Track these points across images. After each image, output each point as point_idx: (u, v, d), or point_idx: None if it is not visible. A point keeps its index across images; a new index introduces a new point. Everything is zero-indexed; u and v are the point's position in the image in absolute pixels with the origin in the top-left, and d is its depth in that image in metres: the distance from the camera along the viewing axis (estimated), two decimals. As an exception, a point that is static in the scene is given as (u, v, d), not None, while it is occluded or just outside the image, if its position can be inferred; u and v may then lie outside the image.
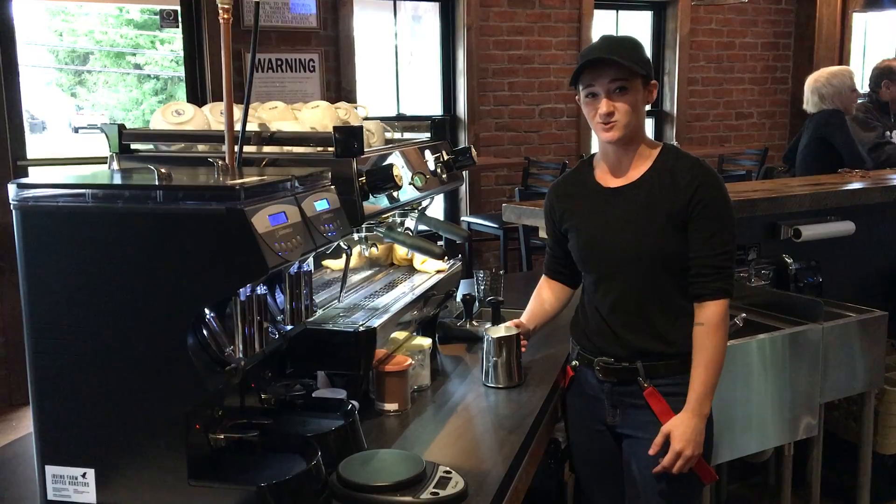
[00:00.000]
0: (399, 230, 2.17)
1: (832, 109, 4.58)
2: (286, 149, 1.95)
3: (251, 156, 1.83)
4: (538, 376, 2.23)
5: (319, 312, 1.93)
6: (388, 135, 2.39)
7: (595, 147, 2.14)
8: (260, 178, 1.46)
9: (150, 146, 2.03)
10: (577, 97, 2.04)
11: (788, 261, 3.45)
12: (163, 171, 1.41)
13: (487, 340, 2.15)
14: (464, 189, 6.39)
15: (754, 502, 3.43)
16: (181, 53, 5.47)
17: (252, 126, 1.92)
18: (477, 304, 2.68)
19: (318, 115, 2.05)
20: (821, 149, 4.63)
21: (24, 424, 4.32)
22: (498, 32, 6.40)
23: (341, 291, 2.08)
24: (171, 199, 1.35)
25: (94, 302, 1.38)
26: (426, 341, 2.19)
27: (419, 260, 2.43)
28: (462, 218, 6.16)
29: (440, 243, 2.34)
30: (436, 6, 6.37)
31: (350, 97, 5.75)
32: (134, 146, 1.98)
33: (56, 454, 1.44)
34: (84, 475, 1.43)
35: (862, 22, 8.12)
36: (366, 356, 1.87)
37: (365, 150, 1.84)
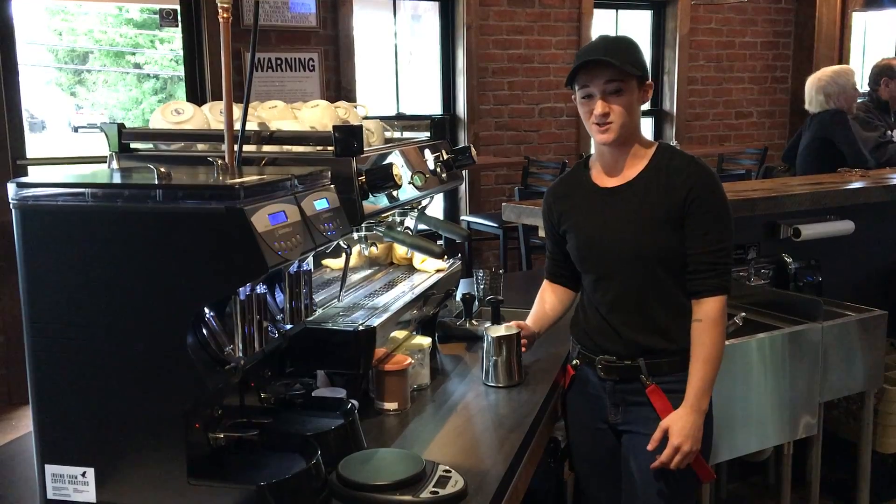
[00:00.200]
0: (399, 229, 2.18)
1: (835, 109, 4.59)
2: (286, 148, 1.95)
3: (251, 155, 1.83)
4: (538, 376, 2.23)
5: (319, 311, 1.93)
6: (388, 134, 2.39)
7: (594, 147, 2.14)
8: (259, 177, 1.46)
9: (149, 145, 2.03)
10: (573, 97, 2.05)
11: (788, 260, 3.45)
12: (162, 170, 1.41)
13: (487, 339, 2.15)
14: (463, 188, 6.39)
15: (754, 501, 3.44)
16: (181, 53, 5.47)
17: (252, 125, 1.92)
18: (476, 303, 2.68)
19: (317, 115, 2.05)
20: (823, 148, 4.64)
21: (24, 423, 4.32)
22: (498, 32, 6.40)
23: (341, 290, 2.08)
24: (170, 198, 1.35)
25: (93, 301, 1.38)
26: (426, 340, 2.19)
27: (419, 259, 2.43)
28: (462, 217, 6.17)
29: (440, 242, 2.34)
30: (435, 5, 6.37)
31: (350, 96, 5.75)
32: (133, 145, 1.99)
33: (56, 453, 1.44)
34: (84, 474, 1.43)
35: (861, 21, 8.12)
36: (365, 355, 1.87)
37: (364, 149, 1.84)
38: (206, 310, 1.40)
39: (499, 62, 6.44)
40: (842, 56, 7.71)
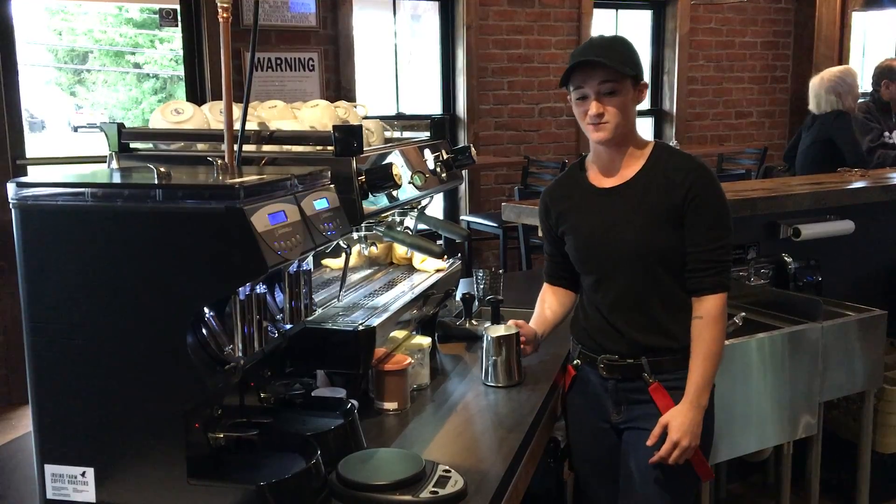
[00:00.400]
0: (398, 229, 2.17)
1: (838, 110, 4.61)
2: (285, 148, 1.95)
3: (250, 155, 1.83)
4: (538, 376, 2.23)
5: (319, 311, 1.93)
6: (388, 134, 2.39)
7: (591, 147, 2.14)
8: (259, 177, 1.46)
9: (149, 145, 2.03)
10: (568, 97, 2.05)
11: (788, 260, 3.45)
12: (162, 170, 1.41)
13: (487, 339, 2.15)
14: (463, 188, 6.39)
15: (753, 501, 3.44)
16: (180, 52, 5.47)
17: (251, 125, 1.92)
18: (476, 303, 2.68)
19: (317, 114, 2.05)
20: (825, 149, 4.66)
21: (24, 423, 4.32)
22: (497, 31, 6.40)
23: (341, 290, 2.08)
24: (170, 198, 1.35)
25: (93, 301, 1.38)
26: (425, 340, 2.19)
27: (419, 259, 2.43)
28: (461, 217, 6.16)
29: (439, 242, 2.34)
30: (435, 5, 6.37)
31: (349, 96, 5.75)
32: (133, 145, 1.98)
33: (55, 453, 1.44)
34: (83, 474, 1.43)
35: (861, 21, 8.12)
36: (365, 355, 1.87)
37: (364, 149, 1.84)
38: (206, 310, 1.40)
39: (498, 62, 6.44)
40: (841, 56, 7.72)
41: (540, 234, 2.41)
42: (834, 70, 4.84)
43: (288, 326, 1.61)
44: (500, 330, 2.17)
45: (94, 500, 1.43)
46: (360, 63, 5.91)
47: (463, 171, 2.54)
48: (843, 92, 4.65)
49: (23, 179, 1.42)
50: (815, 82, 4.80)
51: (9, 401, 4.67)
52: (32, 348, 1.42)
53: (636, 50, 2.04)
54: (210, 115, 2.05)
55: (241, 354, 1.43)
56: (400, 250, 2.47)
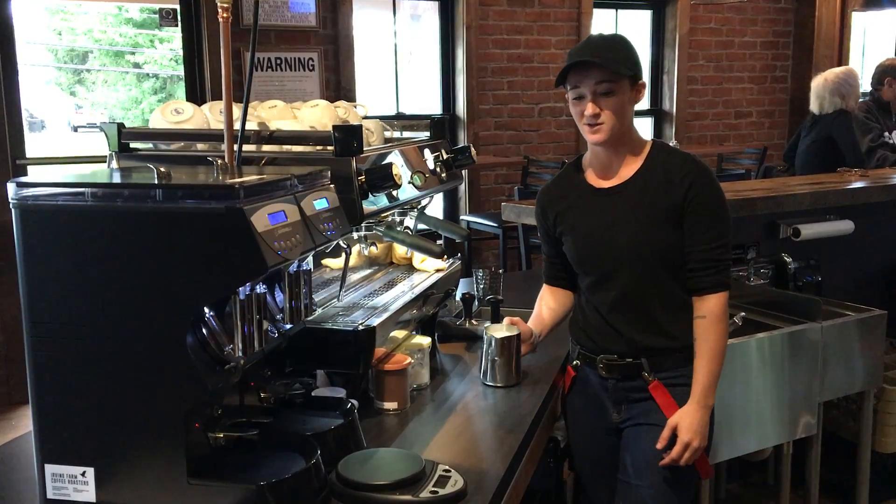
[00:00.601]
0: (398, 229, 2.18)
1: (840, 110, 4.62)
2: (285, 147, 1.95)
3: (250, 154, 1.83)
4: (538, 376, 2.23)
5: (319, 311, 1.93)
6: (388, 134, 2.39)
7: (588, 147, 2.13)
8: (259, 176, 1.46)
9: (149, 145, 2.03)
10: (566, 96, 2.05)
11: (787, 260, 3.45)
12: (162, 169, 1.41)
13: (487, 339, 2.15)
14: (463, 188, 6.39)
15: (753, 501, 3.44)
16: (180, 52, 5.47)
17: (251, 125, 1.92)
18: (476, 302, 2.68)
19: (317, 114, 2.05)
20: (826, 148, 4.66)
21: (24, 423, 4.32)
22: (497, 31, 6.40)
23: (340, 290, 2.08)
24: (170, 198, 1.35)
25: (93, 301, 1.38)
26: (425, 340, 2.19)
27: (418, 259, 2.43)
28: (461, 217, 6.17)
29: (439, 242, 2.34)
30: (435, 5, 6.37)
31: (349, 96, 5.75)
32: (133, 145, 1.98)
33: (56, 453, 1.44)
34: (84, 474, 1.43)
35: (861, 21, 8.12)
36: (365, 355, 1.87)
37: (364, 148, 1.84)
38: (206, 309, 1.40)
39: (498, 62, 6.44)
40: (841, 56, 7.72)
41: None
42: (837, 71, 4.84)
43: (288, 326, 1.61)
44: (500, 330, 2.17)
45: (94, 500, 1.43)
46: (360, 63, 5.91)
47: (463, 171, 2.54)
48: (846, 94, 4.66)
49: (23, 179, 1.42)
50: (817, 83, 4.80)
51: (9, 400, 4.67)
52: (33, 348, 1.42)
53: (635, 49, 2.03)
54: (210, 115, 2.05)
55: (241, 354, 1.43)
56: (400, 250, 2.47)
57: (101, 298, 1.38)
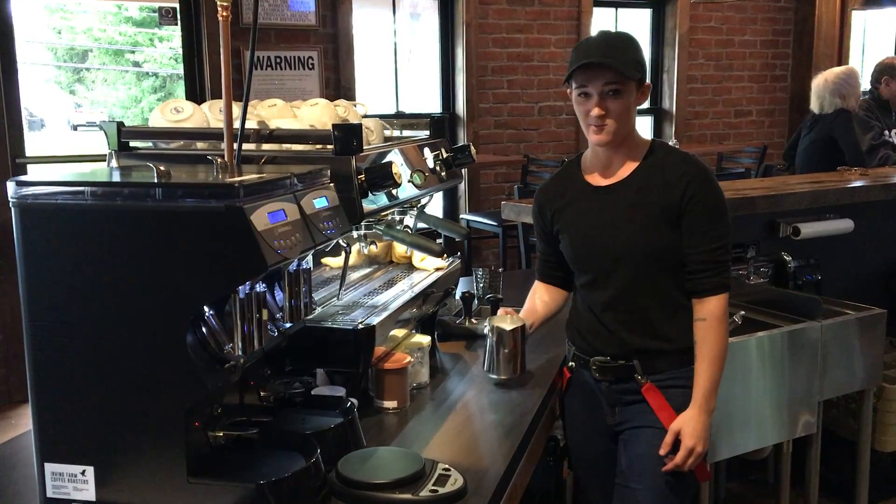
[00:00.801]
0: (398, 228, 2.17)
1: (840, 109, 4.62)
2: (285, 146, 1.95)
3: (250, 153, 1.83)
4: (537, 374, 2.23)
5: (318, 310, 1.93)
6: (387, 132, 2.39)
7: (588, 145, 2.12)
8: (259, 175, 1.46)
9: (149, 144, 2.03)
10: (569, 92, 2.02)
11: (787, 258, 3.45)
12: (162, 168, 1.41)
13: (493, 331, 2.12)
14: (463, 187, 6.39)
15: (753, 500, 3.44)
16: (180, 51, 5.47)
17: (251, 124, 1.92)
18: (476, 301, 2.68)
19: (317, 113, 2.05)
20: (827, 147, 4.66)
21: (24, 422, 4.32)
22: (497, 30, 6.40)
23: (340, 289, 2.08)
24: (170, 196, 1.35)
25: (93, 300, 1.38)
26: (425, 339, 2.19)
27: (418, 258, 2.43)
28: (461, 216, 6.16)
29: (439, 241, 2.34)
30: (435, 3, 6.37)
31: (349, 95, 5.75)
32: (133, 144, 1.98)
33: (55, 452, 1.44)
34: (83, 473, 1.43)
35: (861, 20, 8.12)
36: (365, 354, 1.87)
37: (364, 147, 1.84)
38: (206, 308, 1.40)
39: (498, 60, 6.44)
40: (841, 55, 7.72)
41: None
42: (837, 71, 4.84)
43: (287, 325, 1.61)
44: (505, 321, 2.14)
45: (94, 499, 1.43)
46: (360, 61, 5.91)
47: (462, 170, 2.54)
48: (846, 94, 4.66)
49: (22, 178, 1.42)
50: (818, 83, 4.80)
51: (8, 399, 4.67)
52: (32, 347, 1.42)
53: (642, 49, 2.02)
54: (210, 114, 2.05)
55: (240, 353, 1.43)
56: (399, 249, 2.47)
57: (100, 297, 1.38)
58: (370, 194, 1.84)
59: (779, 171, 5.40)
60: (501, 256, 5.69)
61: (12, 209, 1.41)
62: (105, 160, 1.92)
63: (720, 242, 1.98)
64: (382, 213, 2.01)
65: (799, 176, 4.47)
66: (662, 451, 1.97)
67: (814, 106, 4.83)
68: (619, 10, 7.25)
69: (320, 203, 1.58)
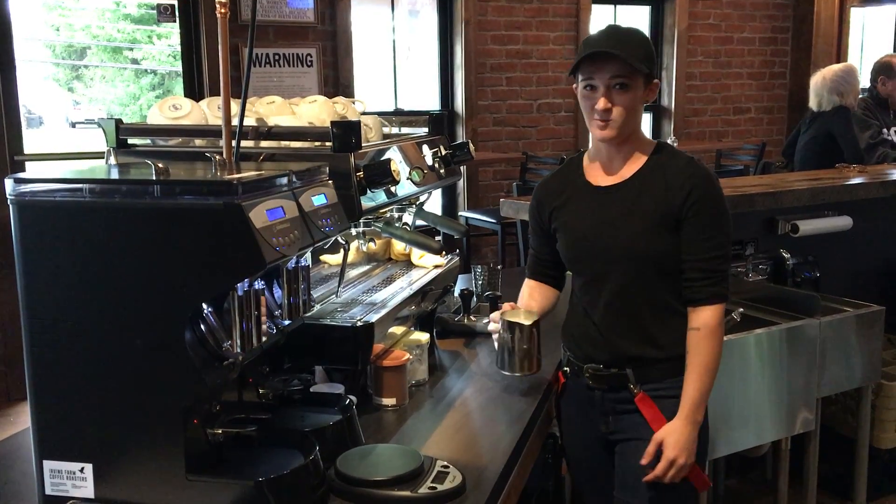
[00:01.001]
0: (397, 225, 2.17)
1: (839, 106, 4.62)
2: (284, 143, 1.95)
3: (249, 150, 1.83)
4: (537, 374, 2.22)
5: (317, 307, 1.93)
6: (386, 130, 2.39)
7: (591, 143, 2.10)
8: (257, 172, 1.46)
9: (147, 141, 2.03)
10: (574, 86, 1.97)
11: (786, 255, 3.46)
12: (160, 165, 1.41)
13: (507, 327, 2.04)
14: (461, 184, 6.38)
15: (751, 497, 3.44)
16: (178, 48, 5.47)
17: (249, 121, 1.92)
18: (475, 299, 2.68)
19: (315, 110, 2.05)
20: (825, 145, 4.66)
21: (23, 419, 4.32)
22: (496, 27, 6.39)
23: (339, 286, 2.08)
24: (168, 193, 1.35)
25: (91, 297, 1.38)
26: (424, 336, 2.19)
27: (417, 255, 2.43)
28: (460, 213, 6.16)
29: (438, 238, 2.34)
30: (433, 0, 6.36)
31: (348, 92, 5.74)
32: (131, 141, 1.98)
33: (54, 449, 1.44)
34: (82, 470, 1.43)
35: (860, 17, 8.12)
36: (363, 351, 1.87)
37: (362, 144, 1.84)
38: (204, 306, 1.40)
39: (497, 58, 6.43)
40: (840, 52, 7.71)
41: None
42: (835, 68, 4.84)
43: (286, 322, 1.61)
44: (519, 315, 2.06)
45: (92, 496, 1.43)
46: (359, 59, 5.91)
47: (461, 167, 2.54)
48: (844, 91, 4.66)
49: (20, 175, 1.42)
50: (816, 81, 4.80)
51: (7, 397, 4.67)
52: (31, 344, 1.42)
53: (652, 45, 1.96)
54: (208, 111, 2.05)
55: (239, 350, 1.43)
56: (398, 246, 2.47)
57: (99, 294, 1.38)
58: (369, 191, 1.84)
59: (777, 168, 5.41)
60: (500, 254, 5.69)
61: (10, 206, 1.40)
62: (103, 157, 1.92)
63: (719, 252, 1.93)
64: (381, 211, 2.01)
65: (797, 173, 4.47)
66: (644, 461, 1.92)
67: (812, 104, 4.83)
68: (618, 6, 7.24)
69: (319, 200, 1.58)
